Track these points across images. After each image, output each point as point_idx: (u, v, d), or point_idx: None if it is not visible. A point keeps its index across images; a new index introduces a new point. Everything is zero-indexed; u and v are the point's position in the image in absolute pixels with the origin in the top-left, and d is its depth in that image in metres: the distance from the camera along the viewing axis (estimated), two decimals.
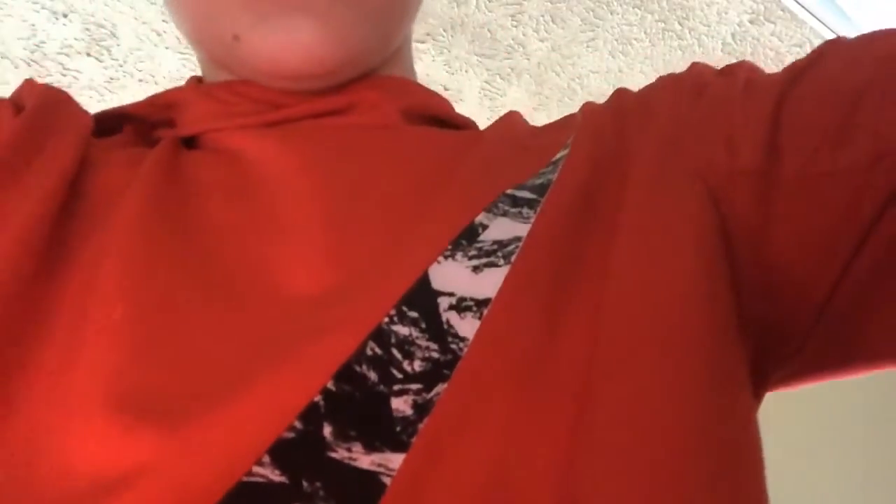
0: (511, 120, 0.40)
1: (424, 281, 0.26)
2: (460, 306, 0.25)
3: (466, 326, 0.25)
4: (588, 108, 0.36)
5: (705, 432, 0.24)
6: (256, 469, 0.21)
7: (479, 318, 0.25)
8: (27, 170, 0.30)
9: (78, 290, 0.26)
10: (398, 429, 0.22)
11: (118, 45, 1.46)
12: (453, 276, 0.26)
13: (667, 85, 0.35)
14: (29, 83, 0.36)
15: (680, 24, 1.47)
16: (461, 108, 1.62)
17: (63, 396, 0.23)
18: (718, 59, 1.52)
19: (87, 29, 1.43)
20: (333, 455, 0.22)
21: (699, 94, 0.32)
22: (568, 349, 0.25)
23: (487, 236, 0.28)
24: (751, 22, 1.46)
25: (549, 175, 0.31)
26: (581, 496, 0.22)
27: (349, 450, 0.22)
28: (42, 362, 0.24)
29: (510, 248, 0.27)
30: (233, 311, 0.26)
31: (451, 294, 0.26)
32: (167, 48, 1.47)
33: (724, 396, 0.26)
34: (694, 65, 0.35)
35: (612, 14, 1.45)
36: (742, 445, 0.26)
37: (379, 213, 0.30)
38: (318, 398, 0.22)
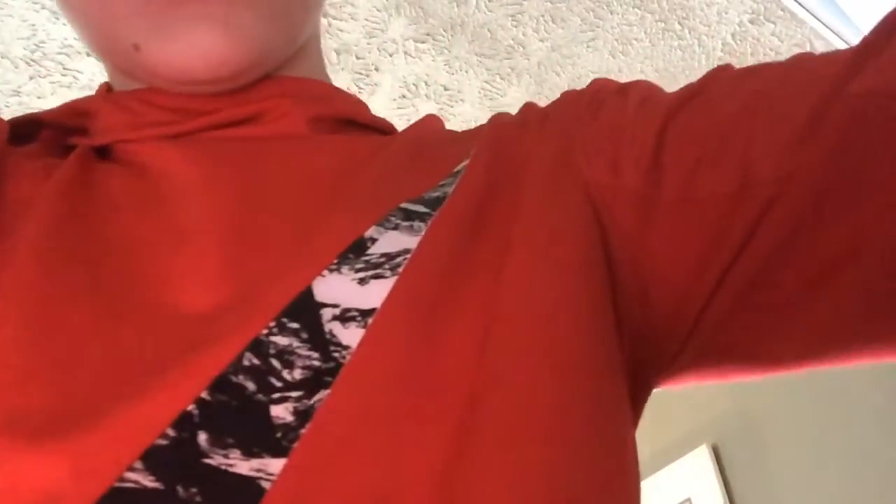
0: (424, 126, 0.40)
1: (307, 294, 0.26)
2: (344, 317, 0.26)
3: (350, 335, 0.25)
4: (495, 119, 0.37)
5: (586, 443, 0.25)
6: (129, 475, 0.21)
7: (364, 328, 0.25)
8: None
9: None
10: (278, 435, 0.23)
11: None
12: (338, 289, 0.26)
13: (568, 100, 0.36)
14: None
15: (680, 24, 1.47)
16: (461, 108, 1.62)
17: None
18: (718, 59, 1.52)
19: None
20: (209, 462, 0.22)
21: (596, 110, 0.33)
22: (453, 358, 0.25)
23: (376, 249, 0.28)
24: (751, 22, 1.46)
25: (447, 188, 0.32)
26: None
27: (226, 456, 0.22)
28: None
29: (398, 260, 0.27)
30: (120, 328, 0.26)
31: (335, 305, 0.26)
32: None
33: (605, 409, 0.27)
34: (595, 81, 0.36)
35: (612, 14, 1.45)
36: (620, 459, 0.27)
37: (275, 228, 0.30)
38: (191, 407, 0.23)
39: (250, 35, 0.34)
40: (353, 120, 0.40)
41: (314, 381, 0.24)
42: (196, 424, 0.22)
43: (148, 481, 0.21)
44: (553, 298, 0.27)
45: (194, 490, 0.21)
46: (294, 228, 0.30)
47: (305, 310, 0.26)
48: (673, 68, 1.54)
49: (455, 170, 0.33)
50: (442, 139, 0.39)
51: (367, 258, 0.27)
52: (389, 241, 0.28)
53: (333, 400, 0.23)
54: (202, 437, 0.22)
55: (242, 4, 0.33)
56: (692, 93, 0.32)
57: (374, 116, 0.42)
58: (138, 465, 0.22)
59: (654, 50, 1.51)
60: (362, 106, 0.42)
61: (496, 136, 0.35)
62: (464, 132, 0.39)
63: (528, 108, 0.37)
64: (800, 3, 1.40)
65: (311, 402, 0.23)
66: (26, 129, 0.38)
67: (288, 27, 0.37)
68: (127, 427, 0.22)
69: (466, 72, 1.53)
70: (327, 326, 0.25)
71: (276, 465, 0.22)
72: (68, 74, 1.49)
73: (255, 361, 0.24)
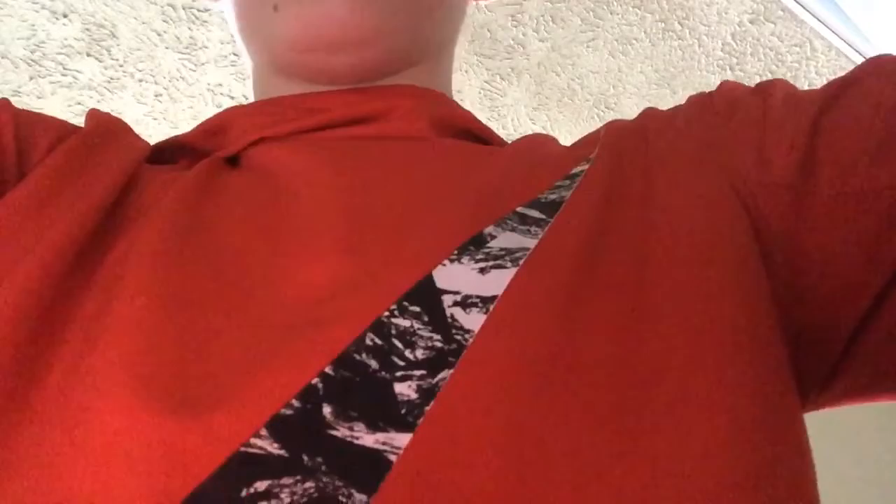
0: (537, 138, 0.41)
1: (428, 280, 0.27)
2: (465, 302, 0.26)
3: (471, 320, 0.26)
4: (612, 124, 0.37)
5: (744, 435, 0.24)
6: (254, 441, 0.22)
7: (485, 313, 0.26)
8: (72, 188, 0.31)
9: (101, 291, 0.28)
10: (403, 411, 0.23)
11: (118, 45, 1.46)
12: (459, 277, 0.27)
13: (696, 102, 0.36)
14: (91, 112, 0.38)
15: (680, 24, 1.46)
16: None
17: (85, 376, 0.25)
18: (718, 58, 1.52)
19: (87, 29, 1.43)
20: (334, 433, 0.23)
21: (731, 111, 0.33)
22: (590, 340, 0.25)
23: (495, 244, 0.29)
24: (751, 22, 1.46)
25: (564, 191, 0.32)
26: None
27: (351, 429, 0.23)
28: (64, 352, 0.26)
29: (518, 254, 0.28)
30: (244, 306, 0.27)
31: (456, 292, 0.27)
32: (167, 48, 1.47)
33: (769, 399, 0.26)
34: (724, 83, 0.36)
35: (612, 14, 1.45)
36: (789, 445, 0.26)
37: (394, 218, 0.31)
38: (315, 381, 0.24)
39: (381, 8, 0.37)
40: (470, 131, 0.42)
41: (437, 361, 0.24)
42: (321, 397, 0.23)
43: (273, 448, 0.22)
44: (703, 293, 0.27)
45: (319, 459, 0.22)
46: (413, 220, 0.31)
47: (426, 295, 0.26)
48: (673, 68, 1.54)
49: (571, 172, 0.33)
50: (557, 149, 0.39)
51: (487, 250, 0.28)
52: (508, 239, 0.29)
53: (458, 379, 0.24)
54: (327, 410, 0.23)
55: None
56: (845, 84, 0.31)
57: (489, 129, 0.44)
58: (263, 432, 0.22)
59: (654, 50, 1.51)
60: (479, 121, 0.44)
61: (617, 139, 0.35)
62: (577, 141, 0.39)
63: (649, 113, 0.37)
64: (800, 3, 1.40)
65: (435, 380, 0.24)
66: (168, 153, 0.40)
67: (413, 15, 0.39)
68: (252, 396, 0.23)
69: (466, 72, 1.53)
70: (448, 311, 0.26)
71: (402, 439, 0.23)
72: (68, 74, 1.49)
73: (378, 341, 0.25)
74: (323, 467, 0.22)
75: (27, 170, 0.33)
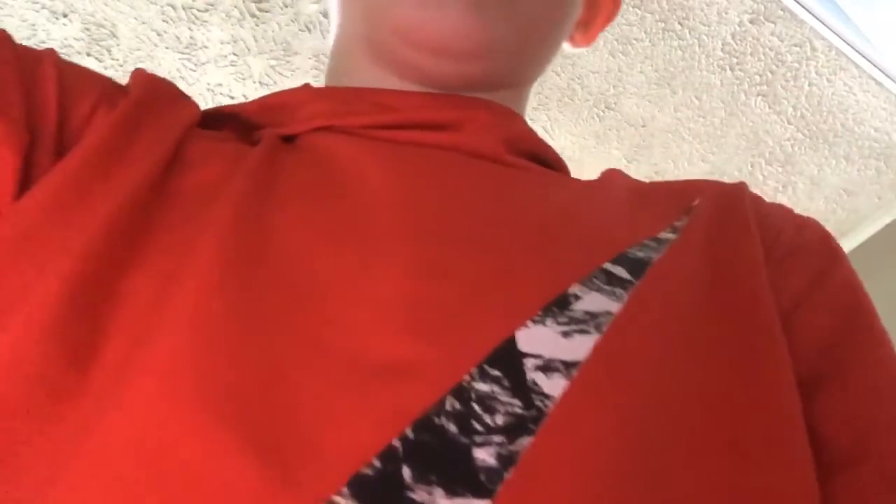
0: (612, 178, 0.40)
1: (510, 343, 0.26)
2: (548, 367, 0.26)
3: (553, 385, 0.25)
4: (710, 187, 0.37)
5: None
6: (336, 498, 0.22)
7: (568, 379, 0.25)
8: (119, 163, 0.30)
9: (158, 277, 0.27)
10: (482, 477, 0.23)
11: (118, 45, 1.46)
12: (541, 340, 0.26)
13: (781, 217, 0.36)
14: (137, 73, 0.36)
15: (680, 24, 1.46)
16: None
17: (140, 378, 0.24)
18: (718, 58, 1.52)
19: (87, 29, 1.43)
20: (412, 496, 0.22)
21: (788, 255, 0.33)
22: (672, 414, 0.25)
23: (579, 307, 0.28)
24: (751, 22, 1.46)
25: (652, 253, 0.31)
26: None
27: (430, 493, 0.22)
28: (111, 346, 0.25)
29: (601, 319, 0.27)
30: (318, 335, 0.26)
31: (538, 356, 0.26)
32: (167, 48, 1.47)
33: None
34: (811, 222, 0.36)
35: None
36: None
37: (473, 254, 0.30)
38: (395, 442, 0.23)
39: (495, 25, 0.37)
40: (539, 155, 0.42)
41: (517, 428, 0.24)
42: (400, 459, 0.23)
43: None
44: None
45: None
46: (486, 267, 0.30)
47: (508, 358, 0.26)
48: (673, 68, 1.54)
49: (658, 236, 0.33)
50: (638, 188, 0.39)
51: (571, 313, 0.28)
52: (592, 301, 0.28)
53: (538, 447, 0.24)
54: (406, 472, 0.23)
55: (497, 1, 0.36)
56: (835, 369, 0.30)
57: (558, 156, 0.43)
58: (345, 490, 0.22)
59: (654, 50, 1.51)
60: (550, 146, 0.43)
61: (713, 217, 0.34)
62: (661, 185, 0.39)
63: (754, 198, 0.37)
64: (800, 3, 1.40)
65: (514, 447, 0.24)
66: (215, 119, 0.39)
67: (526, 42, 0.40)
68: (335, 452, 0.23)
69: None
70: (530, 375, 0.25)
71: None
72: None
73: (458, 406, 0.24)
74: None
75: (68, 130, 0.32)
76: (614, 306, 0.28)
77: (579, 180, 0.39)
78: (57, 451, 0.23)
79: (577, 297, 0.28)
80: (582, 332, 0.27)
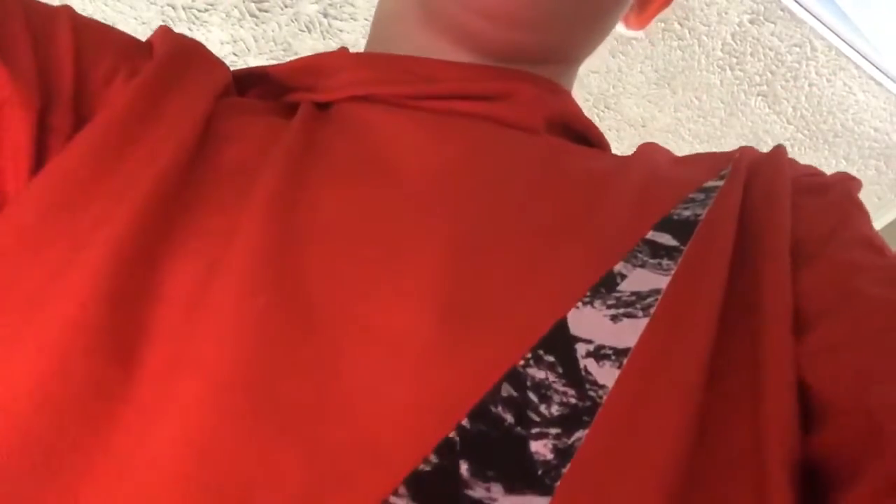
0: (651, 150, 0.39)
1: (562, 326, 0.25)
2: (599, 354, 0.25)
3: (605, 374, 0.24)
4: (747, 150, 0.36)
5: None
6: (393, 499, 0.21)
7: (619, 367, 0.24)
8: (146, 138, 0.28)
9: (198, 269, 0.25)
10: (540, 472, 0.22)
11: None
12: (591, 324, 0.26)
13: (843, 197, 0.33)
14: (163, 31, 0.35)
15: (680, 24, 1.46)
16: None
17: (185, 380, 0.23)
18: (718, 58, 1.52)
19: None
20: (471, 494, 0.21)
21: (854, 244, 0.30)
22: (722, 406, 0.24)
23: (626, 287, 0.27)
24: (751, 22, 1.45)
25: (698, 208, 0.30)
26: None
27: (488, 489, 0.21)
28: (154, 337, 0.24)
29: (648, 300, 0.26)
30: (367, 324, 0.25)
31: (589, 341, 0.25)
32: None
33: None
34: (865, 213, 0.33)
35: None
36: None
37: (514, 237, 0.29)
38: (452, 434, 0.22)
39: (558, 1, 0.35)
40: (582, 132, 0.41)
41: (572, 419, 0.23)
42: (458, 453, 0.22)
43: None
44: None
45: None
46: (532, 244, 0.29)
47: (560, 343, 0.25)
48: (673, 68, 1.54)
49: (705, 185, 0.32)
50: (676, 159, 0.38)
51: (617, 294, 0.27)
52: (638, 279, 0.27)
53: (593, 441, 0.23)
54: (464, 467, 0.22)
55: None
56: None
57: (600, 134, 0.42)
58: (402, 490, 0.21)
59: (654, 50, 1.51)
60: (592, 123, 0.42)
61: (753, 165, 0.33)
62: (697, 155, 0.38)
63: (790, 162, 0.35)
64: (800, 3, 1.40)
65: (570, 441, 0.23)
66: (244, 82, 0.38)
67: (584, 15, 0.38)
68: (389, 448, 0.22)
69: None
70: (582, 363, 0.24)
71: (539, 503, 0.21)
72: None
73: (514, 393, 0.23)
74: None
75: (87, 91, 0.30)
76: (663, 281, 0.27)
77: (620, 156, 0.38)
78: (111, 453, 0.22)
79: (622, 276, 0.27)
80: (629, 315, 0.26)
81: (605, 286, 0.27)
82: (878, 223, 1.81)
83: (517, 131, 0.36)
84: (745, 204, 0.30)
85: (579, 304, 0.26)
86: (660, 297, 0.26)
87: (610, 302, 0.26)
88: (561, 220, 0.30)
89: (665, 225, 0.30)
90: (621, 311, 0.26)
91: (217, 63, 0.36)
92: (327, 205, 0.29)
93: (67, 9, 0.31)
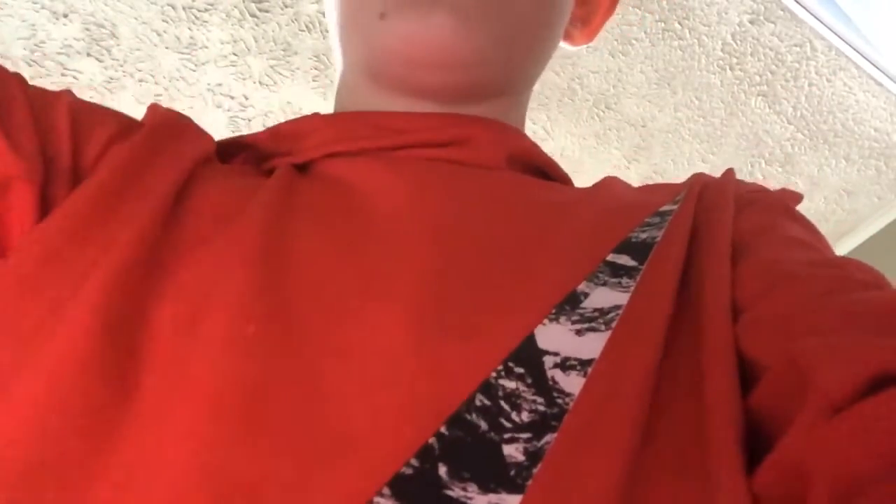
0: (610, 182, 0.42)
1: (531, 340, 0.28)
2: (565, 365, 0.27)
3: (571, 383, 0.26)
4: (699, 176, 0.39)
5: None
6: (377, 499, 0.23)
7: (584, 376, 0.26)
8: (136, 188, 0.32)
9: (188, 303, 0.28)
10: (512, 473, 0.24)
11: (118, 45, 1.46)
12: (558, 338, 0.28)
13: (766, 204, 0.36)
14: (153, 107, 0.38)
15: (680, 24, 1.47)
16: None
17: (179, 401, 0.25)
18: (718, 58, 1.52)
19: (87, 29, 1.43)
20: (449, 493, 0.23)
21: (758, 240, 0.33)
22: (675, 407, 0.26)
23: (589, 304, 0.29)
24: (751, 22, 1.46)
25: (654, 231, 0.33)
26: None
27: (465, 489, 0.23)
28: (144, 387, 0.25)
29: (610, 315, 0.29)
30: (347, 349, 0.27)
31: (555, 353, 0.27)
32: (167, 48, 1.47)
33: None
34: (807, 221, 0.36)
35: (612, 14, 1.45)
36: None
37: (482, 262, 0.31)
38: (432, 440, 0.24)
39: (484, 36, 0.38)
40: (540, 167, 0.43)
41: (541, 425, 0.25)
42: (436, 457, 0.24)
43: None
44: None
45: None
46: (504, 264, 0.31)
47: (529, 356, 0.27)
48: (673, 68, 1.54)
49: (661, 209, 0.35)
50: (632, 188, 0.40)
51: (581, 311, 0.29)
52: (601, 297, 0.30)
53: (561, 443, 0.25)
54: (442, 470, 0.24)
55: (487, 6, 0.37)
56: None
57: (560, 169, 0.45)
58: (386, 491, 0.23)
59: (654, 50, 1.51)
60: (552, 159, 0.45)
61: (703, 189, 0.36)
62: (654, 185, 0.41)
63: (735, 181, 0.38)
64: (800, 3, 1.40)
65: (540, 444, 0.25)
66: (229, 150, 0.41)
67: (514, 49, 0.41)
68: (374, 454, 0.24)
69: None
70: (549, 373, 0.27)
71: (512, 500, 0.23)
72: (68, 74, 1.49)
73: (486, 402, 0.26)
74: None
75: (82, 165, 0.33)
76: (622, 298, 0.29)
77: (581, 188, 0.40)
78: (114, 474, 0.23)
79: (585, 295, 0.30)
80: (592, 329, 0.28)
81: (569, 304, 0.29)
82: (878, 223, 1.81)
83: (478, 169, 0.39)
84: (694, 222, 0.33)
85: (546, 320, 0.28)
86: (620, 311, 0.29)
87: (574, 318, 0.29)
88: (526, 244, 0.33)
89: (624, 247, 0.32)
90: (585, 325, 0.28)
91: (202, 134, 0.39)
92: (307, 242, 0.31)
93: (67, 93, 0.35)
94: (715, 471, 0.24)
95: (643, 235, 0.33)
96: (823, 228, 1.83)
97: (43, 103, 0.34)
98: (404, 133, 0.39)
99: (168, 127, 0.36)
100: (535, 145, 0.44)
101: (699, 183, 0.37)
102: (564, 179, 0.45)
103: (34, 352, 0.25)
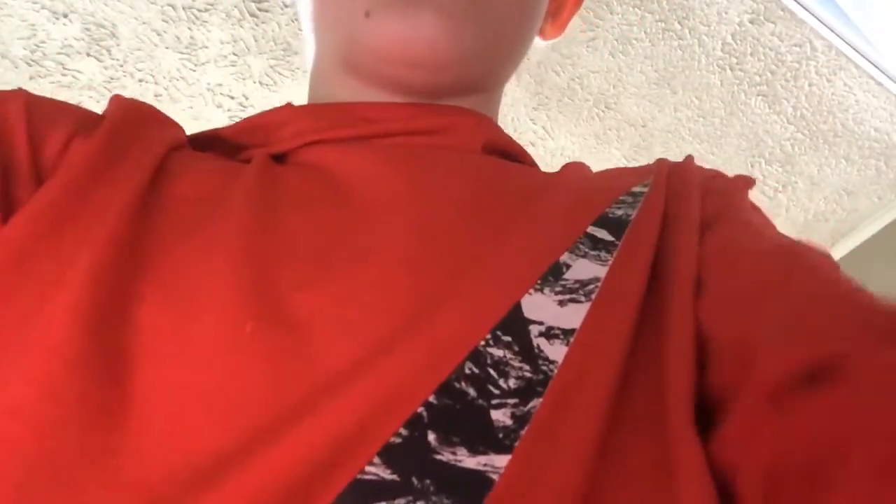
0: (577, 165, 0.44)
1: (517, 310, 0.29)
2: (549, 333, 0.28)
3: (555, 351, 0.28)
4: (663, 161, 0.41)
5: None
6: (368, 468, 0.24)
7: (566, 345, 0.28)
8: (104, 185, 0.31)
9: (175, 298, 0.28)
10: (500, 435, 0.25)
11: (118, 45, 1.46)
12: (542, 308, 0.29)
13: (725, 190, 0.38)
14: (115, 98, 0.37)
15: (680, 24, 1.46)
16: None
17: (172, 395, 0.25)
18: (718, 58, 1.52)
19: (87, 29, 1.43)
20: (439, 457, 0.24)
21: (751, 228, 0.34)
22: (642, 370, 0.28)
23: (570, 275, 0.31)
24: (751, 22, 1.46)
25: (628, 209, 0.34)
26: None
27: (454, 453, 0.24)
28: (136, 381, 0.26)
29: (590, 287, 0.30)
30: (339, 319, 0.28)
31: (540, 323, 0.29)
32: (167, 48, 1.47)
33: None
34: (766, 216, 0.37)
35: (612, 14, 1.45)
36: None
37: (466, 237, 0.32)
38: (420, 409, 0.25)
39: (467, 35, 0.38)
40: (516, 158, 0.44)
41: (527, 391, 0.26)
42: (426, 425, 0.25)
43: (386, 474, 0.24)
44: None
45: (427, 482, 0.24)
46: (491, 237, 0.32)
47: (516, 325, 0.28)
48: (673, 68, 1.54)
49: (633, 190, 0.36)
50: (601, 172, 0.42)
51: (563, 282, 0.30)
52: (581, 269, 0.31)
53: (546, 407, 0.26)
54: (431, 437, 0.25)
55: (471, 6, 0.38)
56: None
57: (531, 157, 0.46)
58: (376, 459, 0.24)
59: (654, 50, 1.51)
60: (524, 150, 0.46)
61: (670, 174, 0.38)
62: (620, 168, 0.43)
63: (697, 167, 0.40)
64: (800, 3, 1.40)
65: (527, 408, 0.26)
66: (197, 145, 0.40)
67: (496, 47, 0.41)
68: (362, 425, 0.25)
69: None
70: (535, 342, 0.28)
71: (501, 460, 0.24)
72: (68, 74, 1.49)
73: (475, 370, 0.27)
74: (431, 488, 0.24)
75: (43, 165, 0.32)
76: (601, 271, 0.31)
77: (551, 172, 0.42)
78: (107, 472, 0.24)
79: (567, 266, 0.31)
80: (574, 300, 0.30)
81: (552, 275, 0.31)
82: (878, 223, 1.81)
83: (457, 151, 0.40)
84: (665, 205, 0.35)
85: (531, 290, 0.30)
86: (599, 284, 0.30)
87: (557, 289, 0.30)
88: (508, 219, 0.34)
89: (602, 221, 0.34)
90: (567, 296, 0.30)
91: (171, 122, 0.39)
92: (292, 229, 0.32)
93: (19, 93, 0.34)
94: (672, 424, 0.25)
95: (618, 212, 0.34)
96: (823, 228, 1.83)
97: None
98: (383, 122, 0.40)
99: (133, 115, 0.36)
100: (508, 136, 0.45)
101: (665, 167, 0.39)
102: (533, 165, 0.46)
103: (17, 352, 0.25)
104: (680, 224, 0.33)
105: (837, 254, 1.85)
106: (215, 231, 0.30)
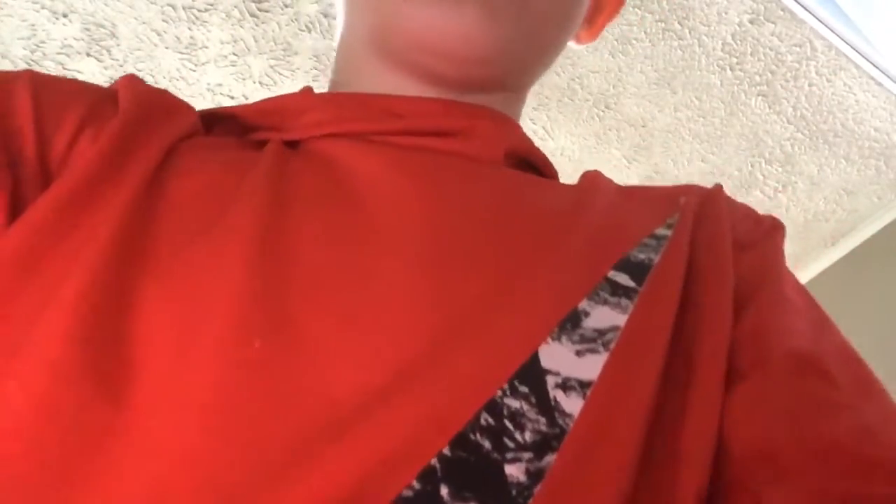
0: (596, 180, 0.41)
1: (535, 359, 0.28)
2: (566, 385, 0.27)
3: (572, 404, 0.27)
4: (691, 190, 0.39)
5: None
6: None
7: (583, 398, 0.27)
8: (111, 187, 0.30)
9: (179, 306, 0.27)
10: (514, 493, 0.24)
11: (118, 45, 1.46)
12: (559, 358, 0.28)
13: (749, 227, 0.37)
14: (128, 83, 0.36)
15: (680, 24, 1.46)
16: None
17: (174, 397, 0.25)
18: (718, 58, 1.52)
19: (87, 29, 1.43)
20: None
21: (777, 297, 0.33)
22: (672, 427, 0.27)
23: (588, 324, 0.29)
24: (751, 22, 1.46)
25: (651, 253, 0.33)
26: None
27: None
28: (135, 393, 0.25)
29: (608, 336, 0.29)
30: (343, 350, 0.27)
31: (556, 373, 0.27)
32: (167, 48, 1.47)
33: None
34: (789, 273, 0.36)
35: None
36: None
37: (483, 268, 0.31)
38: (433, 461, 0.24)
39: (506, 32, 0.37)
40: (533, 163, 0.43)
41: (543, 445, 0.25)
42: (439, 479, 0.24)
43: None
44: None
45: None
46: (506, 277, 0.31)
47: (533, 375, 0.27)
48: (673, 68, 1.54)
49: (656, 233, 0.35)
50: (624, 192, 0.40)
51: (581, 331, 0.29)
52: (600, 317, 0.30)
53: (561, 463, 0.25)
54: (444, 491, 0.24)
55: (512, 3, 0.37)
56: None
57: (551, 165, 0.45)
58: None
59: (654, 50, 1.51)
60: (545, 156, 0.45)
61: (696, 218, 0.36)
62: (644, 189, 0.41)
63: (728, 207, 0.38)
64: (800, 3, 1.40)
65: (542, 464, 0.25)
66: (211, 121, 0.40)
67: (531, 45, 0.40)
68: (374, 477, 0.23)
69: None
70: (552, 393, 0.27)
71: None
72: (68, 74, 1.49)
73: (491, 422, 0.26)
74: None
75: (51, 160, 0.31)
76: (621, 319, 0.29)
77: (569, 185, 0.40)
78: (102, 484, 0.23)
79: (586, 314, 0.30)
80: (592, 351, 0.28)
81: (571, 322, 0.29)
82: (878, 223, 1.81)
83: (478, 164, 0.38)
84: (692, 254, 0.33)
85: (549, 339, 0.28)
86: (618, 333, 0.29)
87: (575, 338, 0.29)
88: (526, 254, 0.32)
89: (623, 266, 0.32)
90: (585, 346, 0.29)
91: (181, 107, 0.37)
92: (303, 237, 0.30)
93: (26, 76, 0.33)
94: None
95: (641, 256, 0.33)
96: (823, 228, 1.83)
97: (1, 99, 0.32)
98: (406, 118, 0.38)
99: (144, 111, 0.34)
100: (531, 142, 0.44)
101: (692, 203, 0.37)
102: (553, 174, 0.45)
103: (14, 362, 0.25)
104: (711, 286, 0.32)
105: (837, 254, 1.85)
106: (222, 236, 0.29)
